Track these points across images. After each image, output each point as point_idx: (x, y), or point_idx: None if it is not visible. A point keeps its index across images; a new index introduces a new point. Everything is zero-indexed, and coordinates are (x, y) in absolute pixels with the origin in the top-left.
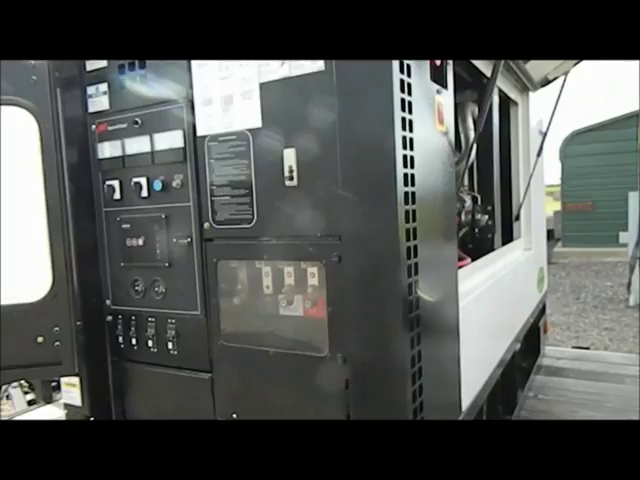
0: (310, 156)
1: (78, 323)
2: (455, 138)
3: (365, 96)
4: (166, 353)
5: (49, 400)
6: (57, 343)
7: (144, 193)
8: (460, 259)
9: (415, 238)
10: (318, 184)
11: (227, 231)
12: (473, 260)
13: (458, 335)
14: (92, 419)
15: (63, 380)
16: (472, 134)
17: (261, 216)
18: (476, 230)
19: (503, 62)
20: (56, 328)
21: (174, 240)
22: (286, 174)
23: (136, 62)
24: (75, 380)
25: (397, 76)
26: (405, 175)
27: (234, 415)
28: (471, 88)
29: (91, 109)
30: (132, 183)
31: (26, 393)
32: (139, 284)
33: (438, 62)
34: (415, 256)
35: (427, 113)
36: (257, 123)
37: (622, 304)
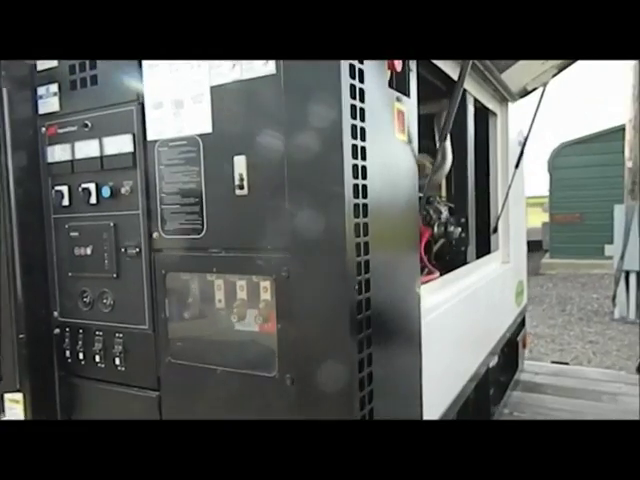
0: (260, 164)
1: (21, 336)
2: (433, 148)
3: (312, 102)
4: (113, 369)
5: None
6: None
7: (93, 200)
8: (429, 273)
9: (367, 253)
10: (267, 194)
11: (176, 241)
12: (445, 273)
13: (420, 347)
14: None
15: (7, 396)
16: (449, 144)
17: (211, 226)
18: (449, 243)
19: (470, 63)
20: None
21: (122, 250)
22: (236, 182)
23: (87, 62)
24: (19, 396)
25: (346, 81)
26: (355, 186)
27: None
28: (446, 97)
29: (41, 110)
30: (80, 189)
31: None
32: (87, 295)
33: (399, 68)
34: (367, 272)
35: (385, 121)
36: (207, 128)
37: (607, 317)
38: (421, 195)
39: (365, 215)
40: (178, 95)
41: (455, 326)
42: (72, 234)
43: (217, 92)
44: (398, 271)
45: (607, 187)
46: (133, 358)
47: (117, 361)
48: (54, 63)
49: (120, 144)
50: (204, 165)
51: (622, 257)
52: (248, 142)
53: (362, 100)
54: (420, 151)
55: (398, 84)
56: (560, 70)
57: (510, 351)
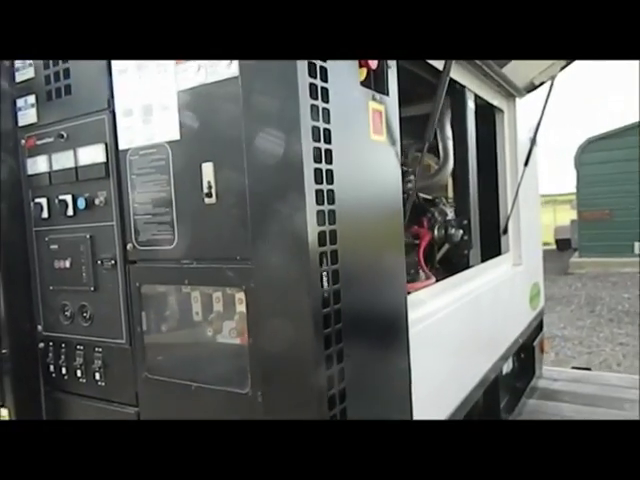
0: (227, 171)
1: (4, 351)
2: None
3: (268, 104)
4: (94, 384)
5: None
6: None
7: (70, 212)
8: (426, 278)
9: (335, 262)
10: (235, 202)
11: (150, 252)
12: (446, 278)
13: (407, 350)
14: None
15: None
16: (450, 143)
17: (182, 237)
18: (450, 246)
19: (452, 62)
20: None
21: (99, 262)
22: (205, 190)
23: (60, 71)
24: (4, 411)
25: (305, 80)
26: (319, 192)
27: None
28: (448, 95)
29: (21, 122)
30: (57, 201)
31: None
32: (68, 309)
33: (374, 66)
34: (335, 282)
35: (357, 122)
36: (176, 135)
37: (639, 317)
38: (408, 196)
39: (332, 222)
40: (147, 101)
41: (456, 331)
42: (52, 247)
43: (184, 97)
44: (377, 275)
45: (636, 182)
46: (112, 373)
47: (97, 376)
48: (31, 74)
49: (93, 154)
50: (173, 173)
51: None
52: (215, 148)
53: (326, 100)
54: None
55: (376, 82)
56: (568, 63)
57: (526, 357)
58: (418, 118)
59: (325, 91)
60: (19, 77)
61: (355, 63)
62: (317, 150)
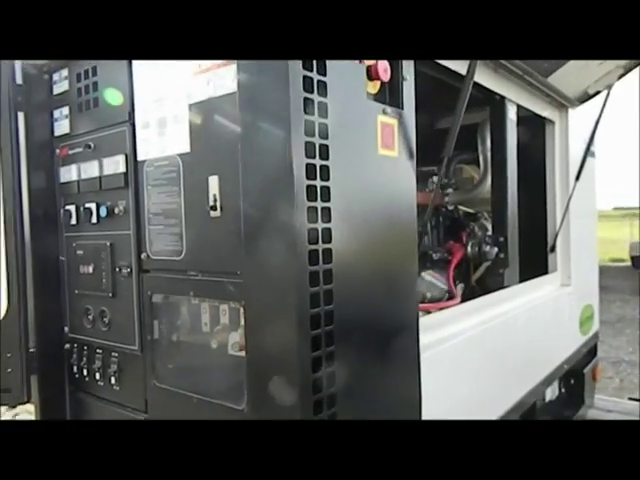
0: (231, 184)
1: (31, 350)
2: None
3: (261, 119)
4: (110, 388)
5: None
6: (9, 369)
7: (94, 219)
8: (450, 298)
9: (329, 282)
10: (236, 216)
11: (161, 262)
12: (473, 299)
13: (418, 363)
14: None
15: (21, 407)
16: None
17: (189, 249)
18: (484, 264)
19: (476, 64)
20: (9, 354)
21: (117, 270)
22: (210, 204)
23: (90, 84)
24: (31, 407)
25: (299, 96)
26: (311, 209)
27: None
28: (487, 105)
29: (56, 133)
30: (82, 209)
31: None
32: (90, 313)
33: (385, 78)
34: (329, 303)
35: (363, 137)
36: (186, 148)
37: None
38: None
39: (328, 241)
40: (162, 114)
41: (484, 354)
42: (78, 252)
43: (194, 110)
44: (382, 289)
45: None
46: (125, 378)
47: (112, 380)
48: (66, 87)
49: (115, 165)
50: (183, 185)
51: None
52: (221, 161)
53: (323, 115)
54: (469, 163)
55: (390, 96)
56: (627, 71)
57: (575, 384)
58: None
59: (323, 106)
60: (56, 89)
61: (361, 76)
62: (310, 167)
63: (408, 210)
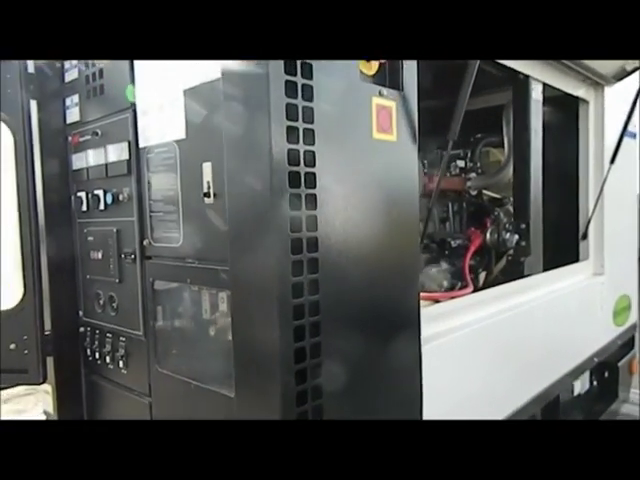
0: (222, 171)
1: (47, 333)
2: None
3: (241, 104)
4: (118, 371)
5: None
6: (26, 351)
7: (101, 206)
8: (464, 287)
9: (314, 271)
10: (225, 204)
11: (162, 249)
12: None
13: (420, 361)
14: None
15: (42, 387)
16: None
17: (186, 236)
18: (505, 252)
19: (477, 64)
20: (25, 336)
21: (123, 256)
22: (204, 190)
23: (97, 72)
24: (49, 388)
25: (279, 77)
26: (294, 196)
27: None
28: (509, 87)
29: (68, 120)
30: (91, 195)
31: None
32: (101, 298)
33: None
34: (314, 293)
35: (354, 120)
36: (182, 134)
37: None
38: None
39: (314, 229)
40: (160, 100)
41: (500, 344)
42: (89, 238)
43: (189, 95)
44: (379, 282)
45: None
46: (132, 362)
47: (120, 364)
48: (76, 75)
49: (119, 151)
50: (180, 172)
51: None
52: (214, 147)
53: (308, 99)
54: (495, 146)
55: (390, 76)
56: None
57: (609, 378)
58: (487, 111)
59: (307, 89)
60: (67, 77)
61: None
62: (292, 152)
63: (408, 196)
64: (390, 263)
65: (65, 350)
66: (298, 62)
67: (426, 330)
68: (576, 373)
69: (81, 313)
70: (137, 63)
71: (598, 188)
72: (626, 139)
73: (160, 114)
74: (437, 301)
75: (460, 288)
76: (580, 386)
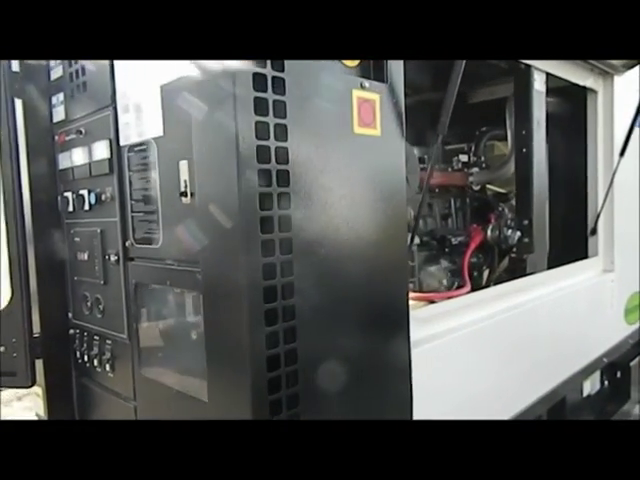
0: (199, 170)
1: (35, 335)
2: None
3: (208, 98)
4: (106, 375)
5: None
6: (15, 354)
7: (86, 206)
8: (461, 286)
9: (289, 274)
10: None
11: (143, 250)
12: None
13: (409, 359)
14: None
15: (33, 389)
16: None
17: (165, 236)
18: (507, 249)
19: (463, 64)
20: (14, 339)
21: (107, 257)
22: (182, 190)
23: (80, 69)
24: (39, 390)
25: (248, 69)
26: (265, 195)
27: None
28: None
29: (55, 119)
30: (76, 195)
31: None
32: (88, 300)
33: None
34: (288, 297)
35: (332, 114)
36: (160, 131)
37: None
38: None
39: (287, 229)
40: (138, 96)
41: (499, 345)
42: (75, 239)
43: (166, 91)
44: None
45: None
46: (118, 366)
47: (107, 367)
48: (60, 72)
49: (100, 150)
50: (159, 171)
51: None
52: (190, 145)
53: (279, 92)
54: (500, 140)
55: (375, 68)
56: None
57: (621, 378)
58: (491, 103)
59: (279, 81)
60: (53, 75)
61: None
62: (262, 149)
63: (395, 192)
64: (375, 263)
65: (55, 353)
66: None
67: (420, 332)
68: (585, 373)
69: (70, 315)
70: None
71: (608, 182)
72: (637, 130)
73: (139, 112)
74: (432, 301)
75: (457, 287)
76: (590, 386)
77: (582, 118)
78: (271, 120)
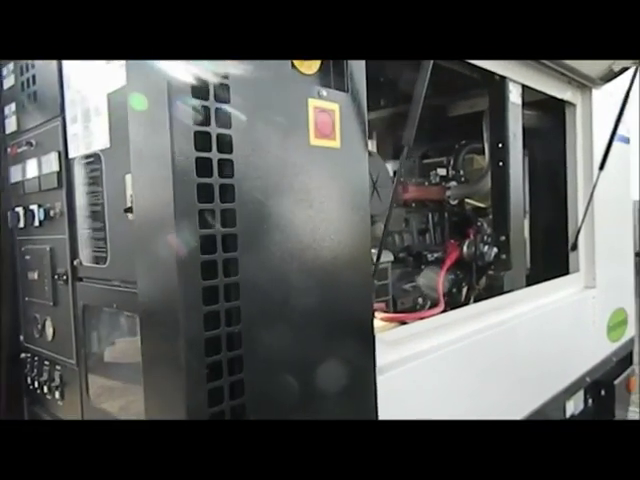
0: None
1: None
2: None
3: (146, 104)
4: (55, 403)
5: None
6: None
7: (36, 222)
8: (434, 306)
9: (235, 298)
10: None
11: (91, 270)
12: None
13: (373, 361)
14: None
15: None
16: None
17: (113, 256)
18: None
19: (431, 64)
20: None
21: (56, 277)
22: (127, 205)
23: (30, 78)
24: None
25: (185, 75)
26: (206, 212)
27: None
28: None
29: (7, 130)
30: (26, 211)
31: None
32: (38, 322)
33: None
34: (234, 324)
35: (285, 124)
36: (106, 143)
37: None
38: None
39: (233, 249)
40: (86, 105)
41: (472, 368)
42: (26, 257)
43: (113, 100)
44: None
45: None
46: (68, 393)
47: (57, 395)
48: (12, 81)
49: (49, 163)
50: (106, 185)
51: None
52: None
53: (224, 100)
54: (479, 153)
55: (335, 76)
56: None
57: (605, 397)
58: (471, 116)
59: (223, 88)
60: (6, 84)
61: None
62: (203, 162)
63: (356, 207)
64: (332, 281)
65: (5, 378)
66: None
67: (388, 356)
68: (568, 393)
69: (22, 338)
70: (66, 65)
71: (587, 196)
72: (617, 143)
73: (86, 122)
74: (404, 322)
75: (430, 307)
76: (573, 406)
77: (562, 132)
78: (213, 130)
